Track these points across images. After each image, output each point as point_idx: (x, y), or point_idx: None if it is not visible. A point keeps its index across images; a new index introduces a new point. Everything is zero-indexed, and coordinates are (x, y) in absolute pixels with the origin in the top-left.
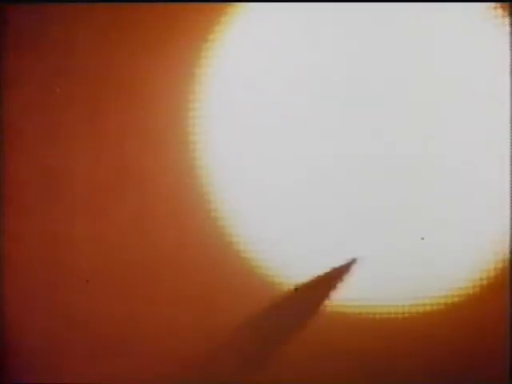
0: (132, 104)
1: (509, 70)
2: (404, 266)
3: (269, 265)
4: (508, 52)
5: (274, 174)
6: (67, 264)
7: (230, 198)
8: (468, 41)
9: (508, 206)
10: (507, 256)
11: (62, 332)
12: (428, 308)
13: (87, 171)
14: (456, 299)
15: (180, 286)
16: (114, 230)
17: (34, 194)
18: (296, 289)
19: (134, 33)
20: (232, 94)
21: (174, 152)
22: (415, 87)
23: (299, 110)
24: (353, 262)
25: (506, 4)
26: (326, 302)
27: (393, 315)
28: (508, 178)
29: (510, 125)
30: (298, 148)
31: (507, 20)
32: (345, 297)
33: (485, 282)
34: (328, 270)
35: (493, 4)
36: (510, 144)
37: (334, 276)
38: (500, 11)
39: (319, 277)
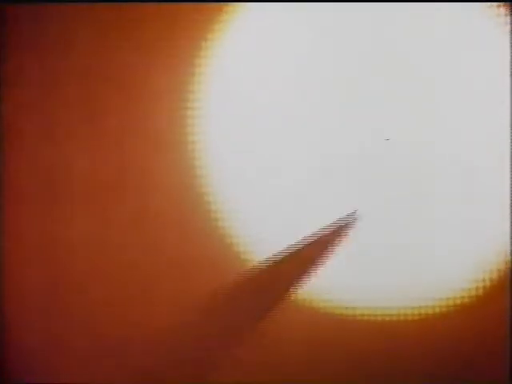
0: (131, 104)
1: (509, 69)
2: (404, 267)
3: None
4: (508, 52)
5: (274, 174)
6: (67, 264)
7: (230, 198)
8: (468, 41)
9: (508, 206)
10: (508, 257)
11: (62, 332)
12: (428, 310)
13: (87, 171)
14: (456, 301)
15: (180, 286)
16: (113, 230)
17: (33, 194)
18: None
19: (134, 33)
20: (231, 93)
21: (174, 152)
22: (415, 87)
23: (299, 109)
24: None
25: (506, 3)
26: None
27: (393, 317)
28: (508, 178)
29: (510, 125)
30: (298, 148)
31: (507, 19)
32: (345, 298)
33: (485, 284)
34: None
35: (493, 4)
36: (510, 144)
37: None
38: (500, 10)
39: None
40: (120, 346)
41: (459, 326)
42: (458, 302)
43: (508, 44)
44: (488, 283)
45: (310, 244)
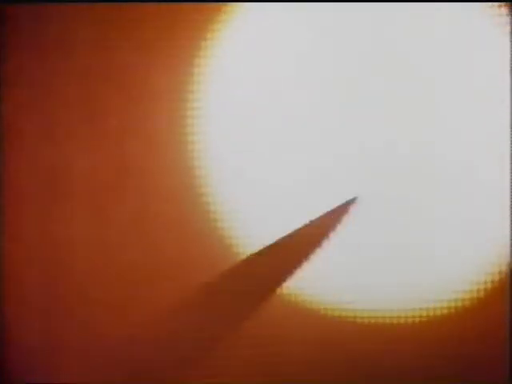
0: (131, 104)
1: (509, 69)
2: (404, 267)
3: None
4: (508, 52)
5: (274, 174)
6: (67, 264)
7: (229, 199)
8: (468, 41)
9: (508, 206)
10: (508, 258)
11: (62, 332)
12: (428, 311)
13: (87, 171)
14: (456, 302)
15: (180, 286)
16: (113, 230)
17: (33, 194)
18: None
19: (134, 33)
20: (231, 93)
21: (174, 152)
22: (415, 87)
23: (299, 109)
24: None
25: (506, 3)
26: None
27: (393, 318)
28: (508, 178)
29: (510, 125)
30: (298, 148)
31: (507, 19)
32: (345, 298)
33: (486, 285)
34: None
35: (493, 4)
36: (510, 144)
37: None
38: (500, 10)
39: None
40: (120, 346)
41: (459, 327)
42: (458, 303)
43: (508, 44)
44: (488, 284)
45: (308, 237)
